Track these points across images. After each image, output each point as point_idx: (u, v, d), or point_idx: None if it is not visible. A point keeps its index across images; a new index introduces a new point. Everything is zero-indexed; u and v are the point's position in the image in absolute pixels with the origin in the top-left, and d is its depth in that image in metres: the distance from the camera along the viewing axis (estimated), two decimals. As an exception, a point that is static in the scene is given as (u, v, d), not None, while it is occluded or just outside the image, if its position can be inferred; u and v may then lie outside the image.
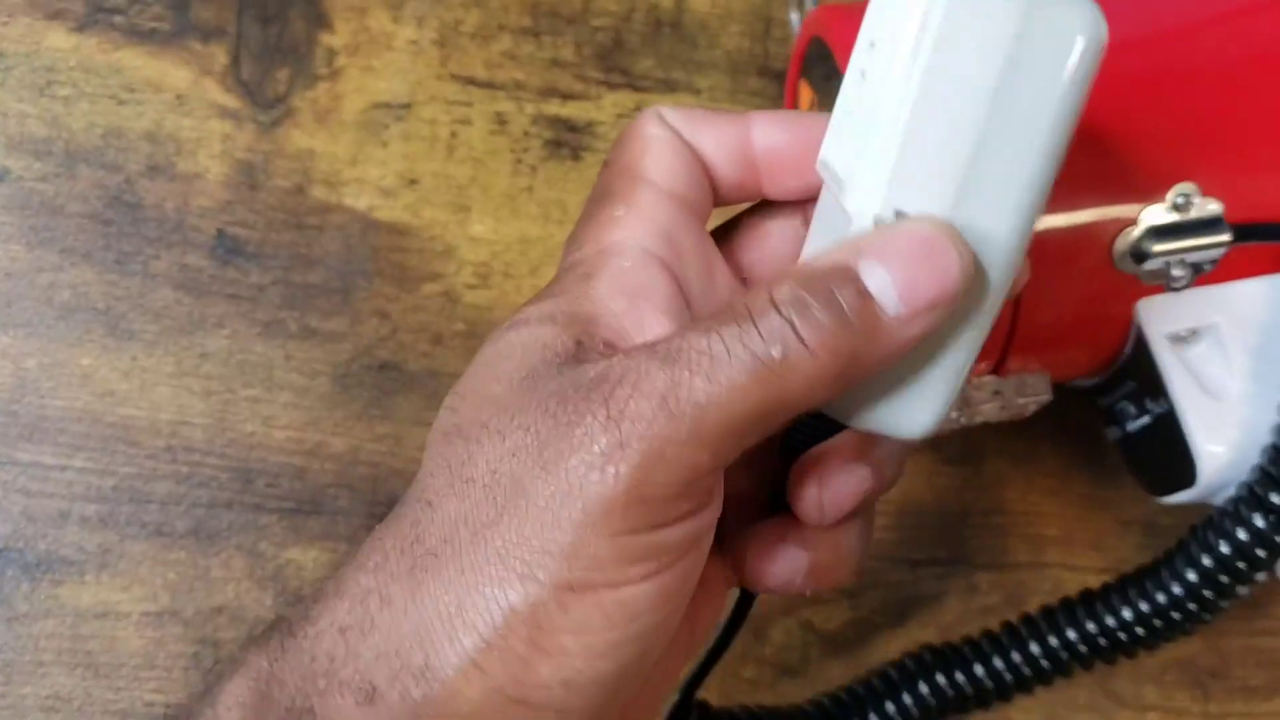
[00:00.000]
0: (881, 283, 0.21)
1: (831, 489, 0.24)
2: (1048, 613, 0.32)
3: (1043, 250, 0.28)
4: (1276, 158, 0.31)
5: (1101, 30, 0.20)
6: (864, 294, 0.20)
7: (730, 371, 0.20)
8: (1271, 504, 0.29)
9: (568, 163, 0.39)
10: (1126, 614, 0.31)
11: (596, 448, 0.20)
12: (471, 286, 0.37)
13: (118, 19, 0.37)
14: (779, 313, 0.20)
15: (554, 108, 0.39)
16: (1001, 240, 0.21)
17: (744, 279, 0.26)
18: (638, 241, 0.23)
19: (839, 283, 0.21)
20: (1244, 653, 0.41)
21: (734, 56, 0.40)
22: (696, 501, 0.21)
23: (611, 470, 0.20)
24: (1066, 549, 0.39)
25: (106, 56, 0.37)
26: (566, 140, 0.39)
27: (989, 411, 0.33)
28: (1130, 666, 0.38)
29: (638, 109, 0.39)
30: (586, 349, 0.22)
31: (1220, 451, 0.31)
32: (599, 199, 0.25)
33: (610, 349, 0.22)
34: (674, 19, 0.40)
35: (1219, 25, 0.31)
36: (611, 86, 0.39)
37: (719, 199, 0.25)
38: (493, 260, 0.37)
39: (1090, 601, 0.31)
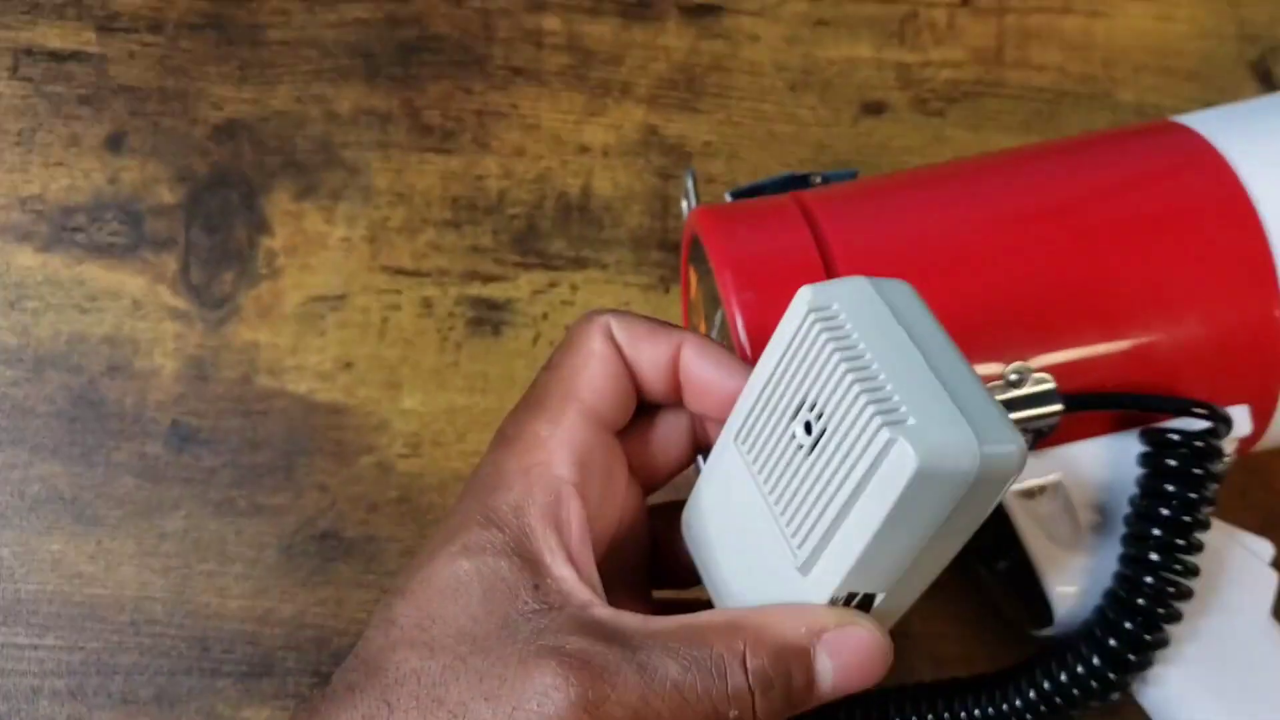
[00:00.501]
0: (825, 669, 0.26)
1: None
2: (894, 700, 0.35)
3: None
4: (1094, 337, 0.34)
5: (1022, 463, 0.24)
6: (811, 679, 0.26)
7: (691, 715, 0.24)
8: (1107, 646, 0.32)
9: (489, 338, 0.43)
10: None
11: None
12: (404, 456, 0.41)
13: (79, 236, 0.42)
14: (747, 683, 0.25)
15: (475, 289, 0.43)
16: (908, 601, 0.27)
17: (634, 469, 0.30)
18: (557, 472, 0.27)
19: (797, 665, 0.25)
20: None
21: (636, 233, 0.44)
22: None
23: None
24: (967, 666, 0.42)
25: (70, 271, 0.41)
26: (487, 318, 0.43)
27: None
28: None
29: (551, 285, 0.43)
30: (544, 591, 0.26)
31: (1071, 592, 0.34)
32: (534, 404, 0.29)
33: (559, 592, 0.26)
34: (581, 203, 0.45)
35: (1028, 225, 0.35)
36: (527, 267, 0.44)
37: (645, 401, 0.29)
38: (423, 430, 0.41)
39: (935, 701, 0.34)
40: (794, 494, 0.26)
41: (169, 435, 0.40)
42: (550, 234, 0.44)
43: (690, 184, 0.39)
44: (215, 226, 0.42)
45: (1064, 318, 0.34)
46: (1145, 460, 0.33)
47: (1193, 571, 0.33)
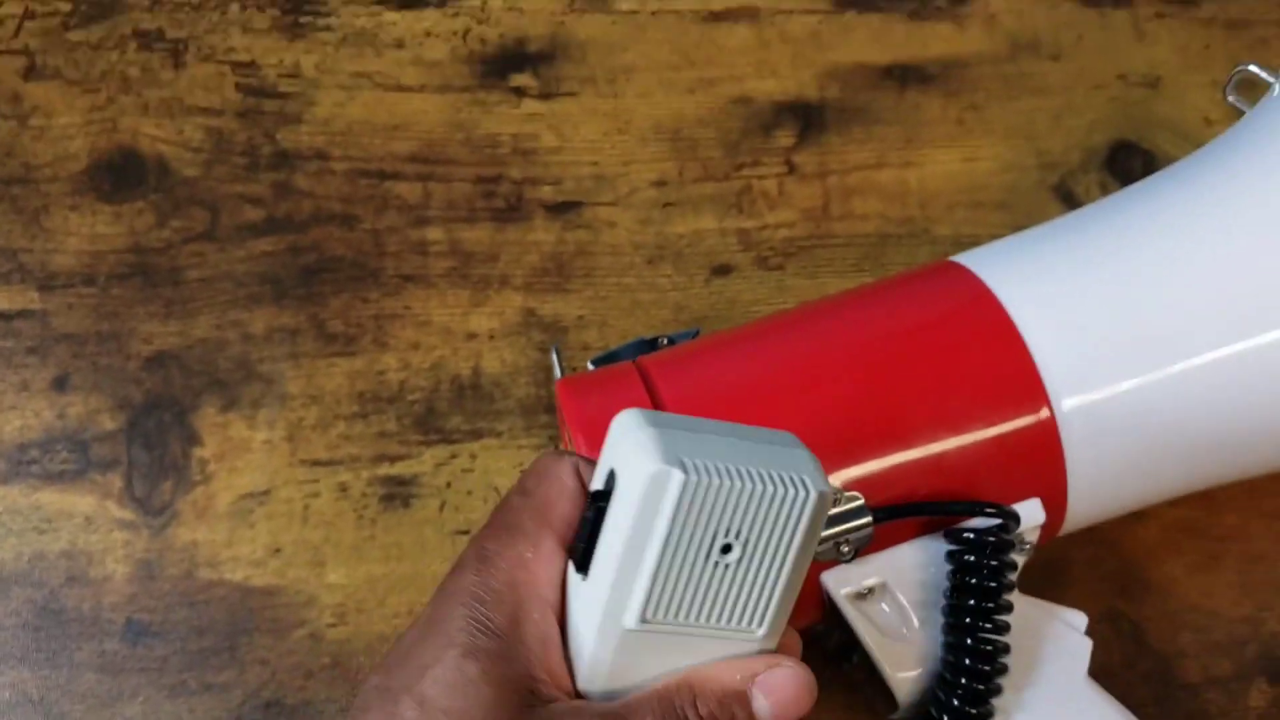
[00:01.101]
0: (762, 706, 0.31)
1: None
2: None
3: None
4: (893, 455, 0.40)
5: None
6: (751, 715, 0.31)
7: None
8: None
9: (400, 511, 0.48)
10: None
11: None
12: (332, 625, 0.46)
13: (34, 468, 0.48)
14: None
15: (384, 469, 0.49)
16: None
17: None
18: (540, 592, 0.31)
19: (739, 706, 0.31)
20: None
21: (525, 403, 0.51)
22: None
23: None
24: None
25: (27, 499, 0.47)
26: (397, 493, 0.49)
27: None
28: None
29: (453, 457, 0.49)
30: (537, 695, 0.30)
31: (910, 677, 0.39)
32: (512, 527, 0.32)
33: (550, 695, 0.30)
34: (473, 382, 0.51)
35: (829, 363, 0.41)
36: (429, 444, 0.50)
37: None
38: (347, 600, 0.47)
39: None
40: (732, 599, 0.30)
41: (124, 631, 0.45)
42: (448, 413, 0.50)
43: (555, 359, 0.46)
44: (153, 444, 0.48)
45: (865, 441, 0.40)
46: (950, 558, 0.39)
47: (1002, 649, 0.38)
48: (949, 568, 0.39)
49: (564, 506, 0.32)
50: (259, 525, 0.47)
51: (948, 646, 0.38)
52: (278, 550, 0.47)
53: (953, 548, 0.39)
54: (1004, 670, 0.38)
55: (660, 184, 0.56)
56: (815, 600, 0.40)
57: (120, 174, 0.52)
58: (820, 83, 0.59)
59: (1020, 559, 0.41)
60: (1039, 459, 0.41)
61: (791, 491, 0.29)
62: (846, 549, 0.39)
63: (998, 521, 0.39)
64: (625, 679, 0.31)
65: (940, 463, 0.40)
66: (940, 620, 0.39)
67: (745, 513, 0.29)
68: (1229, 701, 0.50)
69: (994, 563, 0.38)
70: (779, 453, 0.30)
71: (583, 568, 0.30)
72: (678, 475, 0.28)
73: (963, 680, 0.38)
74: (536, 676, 0.30)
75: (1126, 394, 0.41)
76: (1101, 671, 0.48)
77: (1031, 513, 0.40)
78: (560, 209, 0.54)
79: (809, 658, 0.41)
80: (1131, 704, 0.48)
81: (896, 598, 0.40)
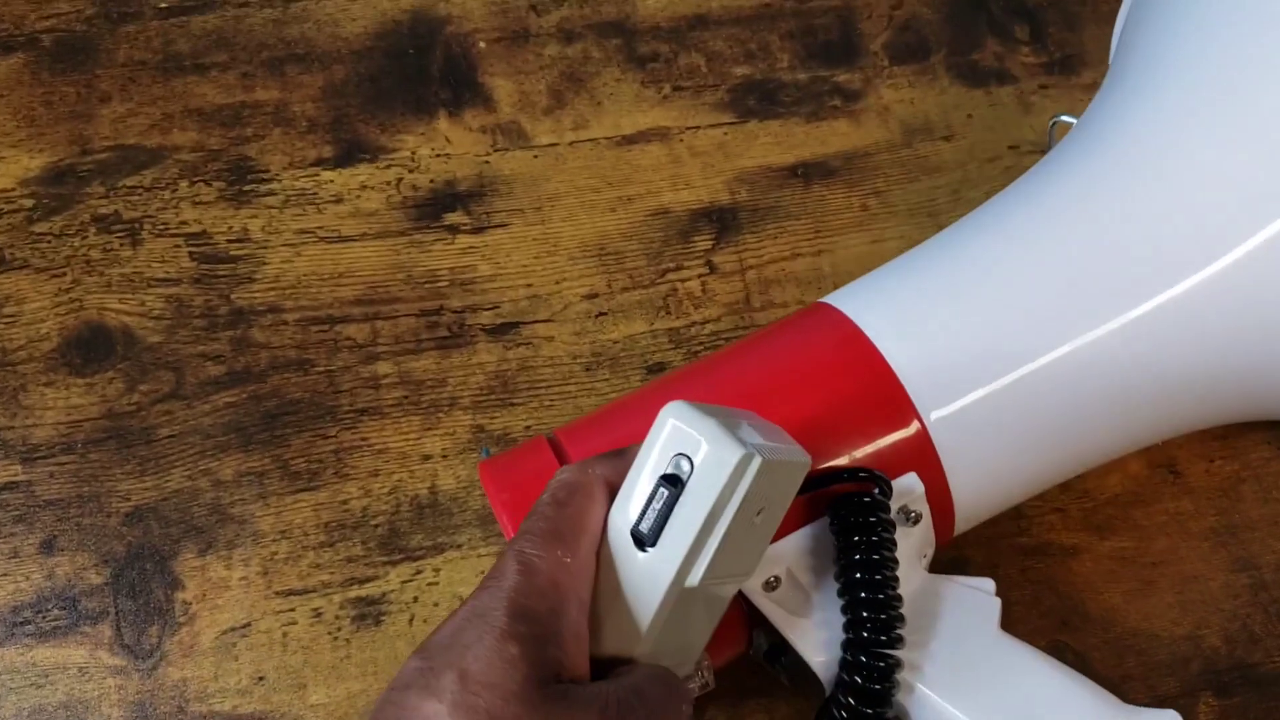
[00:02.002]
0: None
1: None
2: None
3: None
4: None
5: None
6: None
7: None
8: (853, 682, 0.40)
9: (373, 629, 0.51)
10: None
11: None
12: (317, 743, 0.49)
13: (28, 628, 0.51)
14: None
15: (355, 591, 0.52)
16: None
17: None
18: (578, 592, 0.35)
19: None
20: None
21: (481, 513, 0.54)
22: None
23: None
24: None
25: (23, 658, 0.50)
26: (368, 613, 0.52)
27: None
28: None
29: (417, 573, 0.53)
30: (562, 680, 0.33)
31: (826, 650, 0.42)
32: (550, 535, 0.35)
33: (574, 680, 0.34)
34: (431, 501, 0.54)
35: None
36: (394, 563, 0.53)
37: None
38: (330, 718, 0.49)
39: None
40: (747, 551, 0.38)
41: (121, 773, 0.48)
42: (409, 532, 0.54)
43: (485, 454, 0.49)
44: (137, 593, 0.52)
45: None
46: (831, 527, 0.42)
47: (894, 599, 0.41)
48: (834, 538, 0.42)
49: (595, 513, 0.36)
50: (242, 657, 0.50)
51: (846, 607, 0.41)
52: (261, 678, 0.50)
53: (831, 518, 0.42)
54: (900, 620, 0.41)
55: (591, 296, 0.60)
56: (738, 614, 0.44)
57: (89, 348, 0.57)
58: (731, 188, 0.63)
59: (916, 533, 0.44)
60: (918, 463, 0.45)
61: (798, 459, 0.38)
62: None
63: (876, 486, 0.43)
64: (670, 638, 0.37)
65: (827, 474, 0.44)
66: (839, 588, 0.42)
67: (775, 481, 0.37)
68: (1180, 718, 0.52)
69: (870, 519, 0.41)
70: (772, 430, 0.38)
71: (651, 543, 0.36)
72: (758, 460, 0.35)
73: (863, 633, 0.40)
74: (565, 665, 0.34)
75: (985, 398, 0.45)
76: (1053, 703, 0.50)
77: (908, 482, 0.44)
78: (500, 330, 0.58)
79: (753, 682, 0.44)
80: (1086, 731, 0.50)
81: (799, 581, 0.43)
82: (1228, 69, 0.46)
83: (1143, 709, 0.43)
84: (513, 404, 0.57)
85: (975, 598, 0.44)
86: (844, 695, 0.40)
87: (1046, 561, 0.55)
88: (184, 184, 0.61)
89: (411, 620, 0.52)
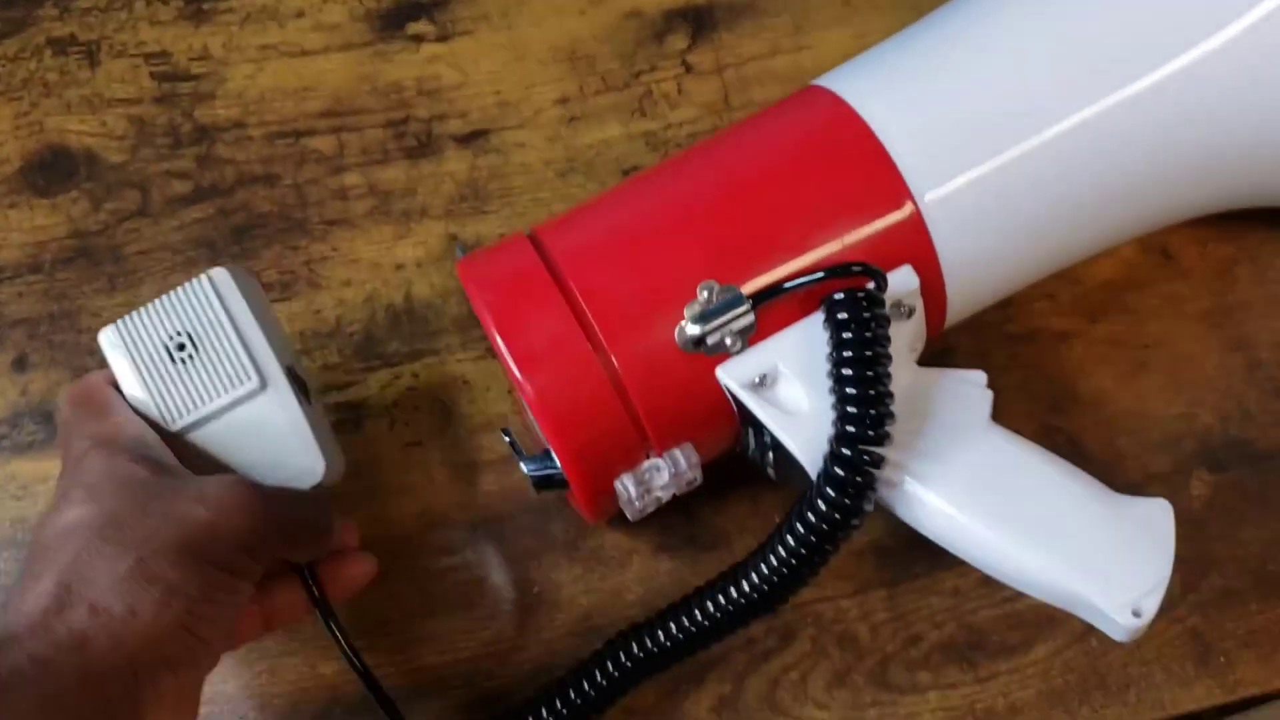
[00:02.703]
0: None
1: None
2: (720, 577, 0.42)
3: (643, 360, 0.40)
4: (758, 245, 0.43)
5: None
6: None
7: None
8: (833, 474, 0.39)
9: (353, 433, 0.51)
10: (764, 569, 0.40)
11: None
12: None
13: (5, 442, 0.51)
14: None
15: (334, 398, 0.52)
16: None
17: None
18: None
19: None
20: (994, 622, 0.49)
21: (458, 320, 0.53)
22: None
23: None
24: (819, 588, 0.48)
25: (2, 471, 0.50)
26: (349, 418, 0.51)
27: (666, 490, 0.43)
28: (902, 660, 0.47)
29: (396, 379, 0.52)
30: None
31: (817, 447, 0.40)
32: (99, 408, 0.42)
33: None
34: (406, 308, 0.53)
35: (703, 183, 0.44)
36: (372, 370, 0.52)
37: None
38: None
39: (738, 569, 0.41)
40: (213, 374, 0.43)
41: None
42: (386, 339, 0.53)
43: (460, 254, 0.48)
44: (112, 407, 0.51)
45: (749, 257, 0.42)
46: (826, 324, 0.41)
47: (885, 395, 0.39)
48: (827, 334, 0.41)
49: (111, 394, 0.43)
50: (220, 465, 0.50)
51: (836, 404, 0.40)
52: (240, 484, 0.49)
53: (825, 314, 0.41)
54: (890, 415, 0.39)
55: (563, 101, 0.58)
56: (721, 396, 0.42)
57: (52, 170, 0.55)
58: (706, -13, 0.61)
59: (909, 326, 0.43)
60: (911, 251, 0.43)
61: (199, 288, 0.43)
62: (732, 340, 0.41)
63: (871, 280, 0.41)
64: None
65: (821, 261, 0.42)
66: (830, 385, 0.41)
67: (176, 320, 0.43)
68: (1171, 494, 0.50)
69: (865, 315, 0.40)
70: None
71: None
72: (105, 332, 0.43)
73: (848, 428, 0.39)
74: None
75: (982, 178, 0.43)
76: (1043, 483, 0.49)
77: (904, 276, 0.42)
78: (470, 139, 0.57)
79: (739, 476, 0.43)
80: (1076, 509, 0.49)
81: (789, 377, 0.41)
82: None
83: (1134, 498, 0.42)
84: (485, 211, 0.55)
85: (966, 390, 0.43)
86: (824, 486, 0.39)
87: (1036, 347, 0.54)
88: (140, 4, 0.59)
89: (392, 425, 0.51)
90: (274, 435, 0.42)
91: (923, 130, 0.43)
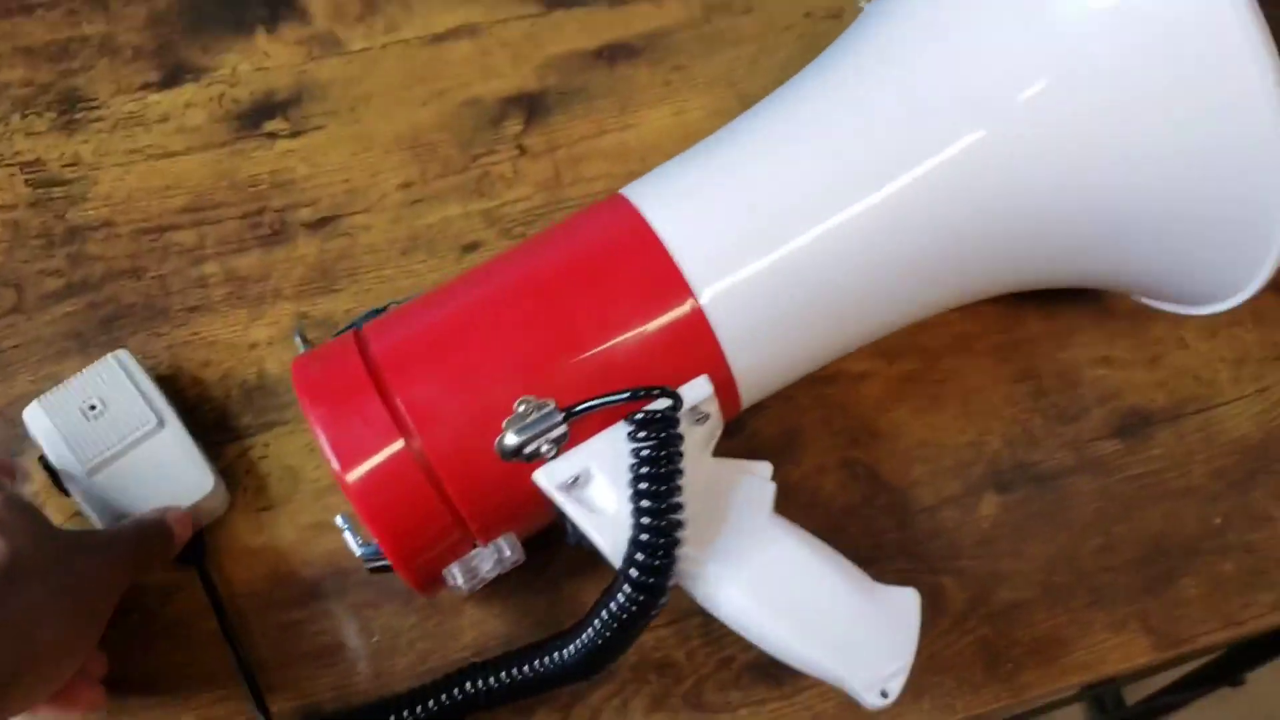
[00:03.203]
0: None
1: None
2: (535, 648, 0.46)
3: (463, 465, 0.45)
4: (576, 365, 0.47)
5: None
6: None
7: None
8: (629, 575, 0.44)
9: (208, 501, 0.55)
10: (574, 649, 0.45)
11: None
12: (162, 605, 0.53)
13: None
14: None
15: (191, 470, 0.56)
16: None
17: None
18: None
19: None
20: (796, 641, 0.53)
21: (307, 391, 0.58)
22: None
23: None
24: (635, 619, 0.53)
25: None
26: (203, 487, 0.56)
27: (491, 572, 0.48)
28: (715, 681, 0.52)
29: (248, 450, 0.57)
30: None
31: (621, 547, 0.44)
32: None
33: None
34: (258, 384, 0.58)
35: (508, 295, 0.49)
36: (226, 442, 0.57)
37: None
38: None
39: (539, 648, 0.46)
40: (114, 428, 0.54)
41: None
42: (240, 413, 0.58)
43: (299, 339, 0.53)
44: (-13, 489, 0.55)
45: (551, 358, 0.47)
46: (629, 437, 0.45)
47: (675, 507, 0.44)
48: (629, 446, 0.45)
49: None
50: (86, 537, 0.54)
51: (634, 512, 0.44)
52: (104, 554, 0.54)
53: (629, 428, 0.45)
54: (680, 525, 0.44)
55: (406, 186, 0.63)
56: (545, 507, 0.47)
57: (-67, 274, 0.60)
58: (539, 75, 0.67)
59: (704, 428, 0.47)
60: (697, 344, 0.47)
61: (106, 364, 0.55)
62: (547, 448, 0.46)
63: (669, 401, 0.46)
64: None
65: (617, 364, 0.47)
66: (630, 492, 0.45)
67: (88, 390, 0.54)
68: (963, 515, 0.56)
69: (661, 435, 0.44)
70: None
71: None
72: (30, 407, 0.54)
73: (644, 537, 0.43)
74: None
75: (757, 274, 0.48)
76: (844, 511, 0.55)
77: (698, 388, 0.47)
78: (319, 225, 0.62)
79: (559, 553, 0.48)
80: (875, 532, 0.55)
81: (599, 479, 0.46)
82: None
83: (888, 587, 0.46)
84: (334, 290, 0.60)
85: (752, 484, 0.48)
86: (623, 583, 0.44)
87: (838, 387, 0.59)
88: (16, 118, 0.64)
89: (245, 492, 0.56)
90: (172, 460, 0.53)
91: (701, 234, 0.48)
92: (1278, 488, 0.57)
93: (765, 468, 0.48)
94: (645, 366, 0.47)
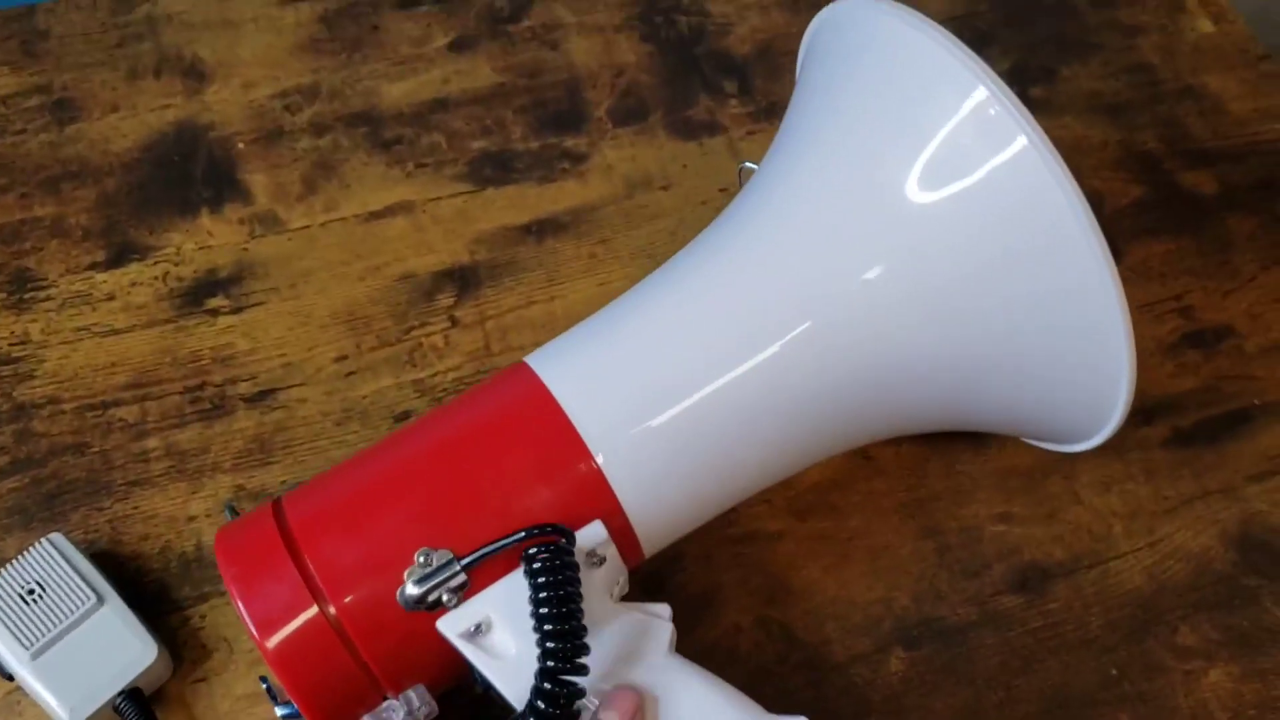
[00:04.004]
0: None
1: None
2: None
3: (369, 619, 0.47)
4: (465, 513, 0.50)
5: None
6: None
7: None
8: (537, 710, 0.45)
9: (144, 674, 0.57)
10: None
11: None
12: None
13: None
14: None
15: (128, 643, 0.58)
16: None
17: None
18: None
19: None
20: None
21: (243, 562, 0.60)
22: None
23: None
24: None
25: None
26: (140, 660, 0.58)
27: None
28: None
29: (186, 622, 0.58)
30: None
31: (521, 694, 0.46)
32: None
33: None
34: (196, 555, 0.60)
35: (418, 458, 0.52)
36: (165, 614, 0.59)
37: None
38: (103, 757, 0.55)
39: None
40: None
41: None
42: (178, 585, 0.60)
43: (228, 513, 0.56)
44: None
45: (456, 517, 0.49)
46: (525, 575, 0.48)
47: (579, 630, 0.46)
48: (527, 584, 0.47)
49: None
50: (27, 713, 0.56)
51: (538, 642, 0.45)
52: (40, 730, 0.55)
53: (525, 566, 0.48)
54: (584, 649, 0.45)
55: (341, 359, 0.66)
56: (452, 657, 0.49)
57: (-119, 453, 0.63)
58: (471, 249, 0.71)
59: (602, 571, 0.50)
60: (596, 499, 0.50)
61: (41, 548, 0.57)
62: (448, 596, 0.48)
63: (561, 538, 0.48)
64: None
65: (517, 518, 0.49)
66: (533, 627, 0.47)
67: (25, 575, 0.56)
68: (872, 672, 0.59)
69: (556, 563, 0.47)
70: None
71: None
72: None
73: (548, 663, 0.45)
74: None
75: (651, 433, 0.51)
76: (759, 671, 0.57)
77: (593, 531, 0.50)
78: (258, 398, 0.65)
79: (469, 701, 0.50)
80: (789, 690, 0.57)
81: (500, 625, 0.48)
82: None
83: (779, 716, 0.49)
84: (270, 463, 0.63)
85: (653, 625, 0.50)
86: (528, 716, 0.45)
87: (755, 547, 0.62)
88: (-33, 298, 0.67)
89: (181, 664, 0.58)
90: (115, 634, 0.55)
91: (596, 397, 0.51)
92: (1170, 638, 0.60)
93: (664, 609, 0.51)
94: (544, 519, 0.49)
